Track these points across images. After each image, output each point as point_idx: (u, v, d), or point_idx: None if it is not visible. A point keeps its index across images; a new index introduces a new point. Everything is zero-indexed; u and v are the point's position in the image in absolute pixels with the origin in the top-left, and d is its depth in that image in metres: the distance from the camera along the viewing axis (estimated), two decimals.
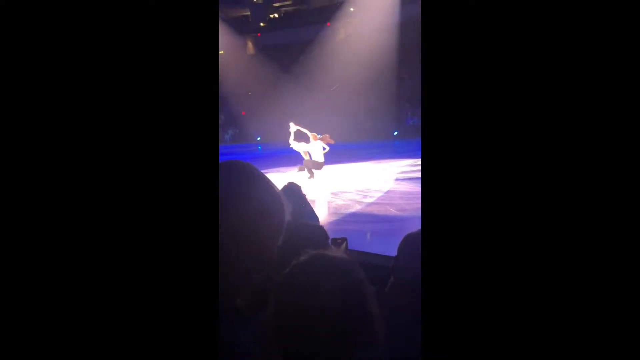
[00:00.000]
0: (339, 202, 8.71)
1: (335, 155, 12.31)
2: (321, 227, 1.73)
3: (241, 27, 26.35)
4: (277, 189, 1.03)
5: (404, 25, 20.72)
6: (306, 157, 10.89)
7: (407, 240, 1.59)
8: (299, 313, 0.98)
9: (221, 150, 1.35)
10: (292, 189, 3.33)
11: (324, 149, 10.73)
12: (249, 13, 28.68)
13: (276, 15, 28.39)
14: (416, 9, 21.51)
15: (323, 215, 7.54)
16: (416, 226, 1.56)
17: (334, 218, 7.58)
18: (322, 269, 1.03)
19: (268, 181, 1.03)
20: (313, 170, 10.67)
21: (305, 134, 10.97)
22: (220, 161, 1.03)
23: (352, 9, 23.41)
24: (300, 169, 10.91)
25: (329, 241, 1.74)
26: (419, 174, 10.46)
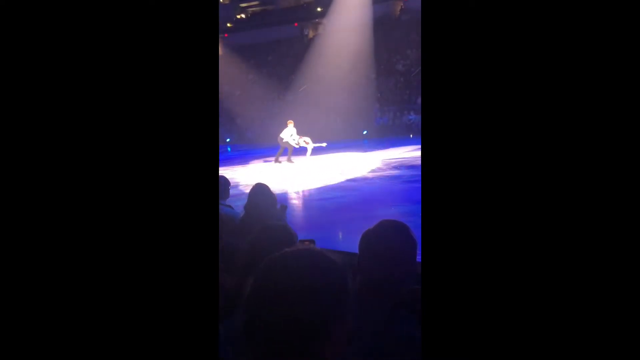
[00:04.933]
0: (306, 200, 8.72)
1: (303, 153, 12.35)
2: (289, 228, 1.73)
3: None
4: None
5: (372, 25, 20.84)
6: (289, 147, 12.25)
7: (367, 237, 1.50)
8: (280, 307, 0.96)
9: None
10: (262, 190, 3.32)
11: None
12: None
13: (243, 15, 28.18)
14: (384, 9, 21.72)
15: (292, 215, 7.53)
16: None
17: (303, 217, 7.59)
18: (312, 262, 1.01)
19: None
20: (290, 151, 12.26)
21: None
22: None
23: (319, 9, 23.42)
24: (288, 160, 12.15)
25: (297, 242, 1.75)
26: (389, 172, 10.54)
